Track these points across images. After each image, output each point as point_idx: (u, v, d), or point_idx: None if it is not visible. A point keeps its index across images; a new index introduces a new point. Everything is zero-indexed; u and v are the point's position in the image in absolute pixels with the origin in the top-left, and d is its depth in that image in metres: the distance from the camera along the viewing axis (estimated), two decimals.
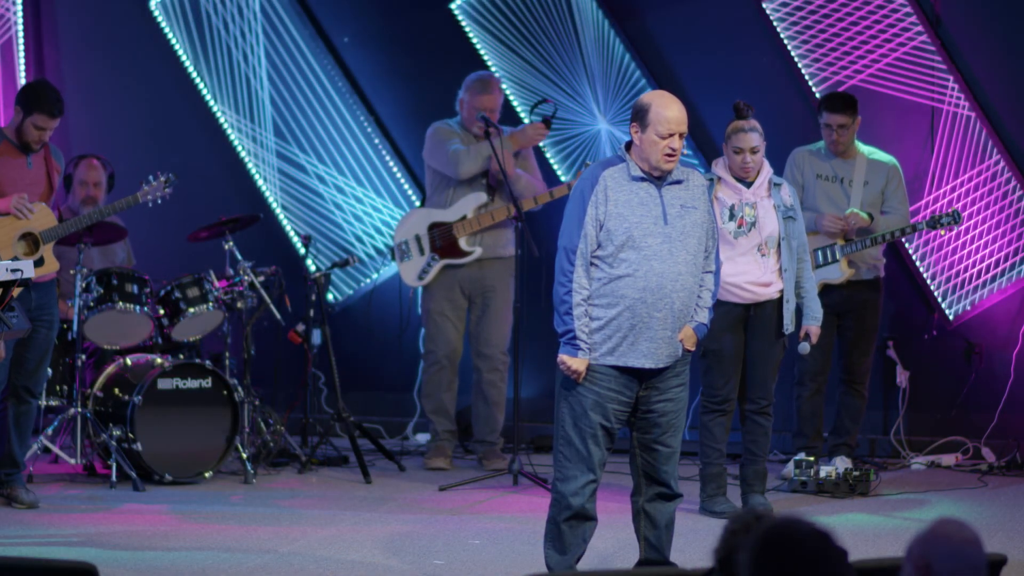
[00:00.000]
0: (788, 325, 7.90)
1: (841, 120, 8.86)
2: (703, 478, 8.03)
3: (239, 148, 10.86)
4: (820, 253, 8.85)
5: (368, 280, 10.73)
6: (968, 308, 9.73)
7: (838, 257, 8.87)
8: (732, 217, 7.84)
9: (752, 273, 7.86)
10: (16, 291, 6.70)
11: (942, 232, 9.51)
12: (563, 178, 10.11)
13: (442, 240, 9.43)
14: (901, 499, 8.48)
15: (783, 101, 9.91)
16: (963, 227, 9.61)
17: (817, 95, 9.74)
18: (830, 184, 8.97)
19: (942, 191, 9.68)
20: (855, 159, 8.99)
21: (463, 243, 9.42)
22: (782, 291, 7.90)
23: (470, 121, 9.41)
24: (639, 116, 6.06)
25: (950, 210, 8.89)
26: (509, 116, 9.99)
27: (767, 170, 7.91)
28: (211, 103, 10.88)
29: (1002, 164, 9.58)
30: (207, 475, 8.77)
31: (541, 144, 9.90)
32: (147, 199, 8.48)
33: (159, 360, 8.84)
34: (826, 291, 8.96)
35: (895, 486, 8.81)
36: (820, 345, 9.00)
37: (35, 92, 7.94)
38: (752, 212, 7.84)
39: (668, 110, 6.03)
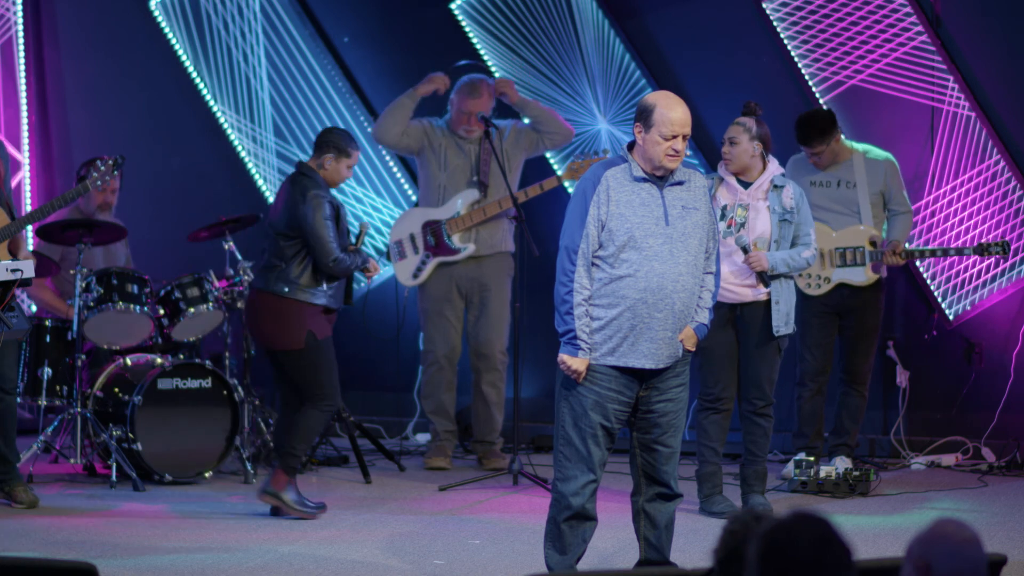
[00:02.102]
0: (779, 327, 7.87)
1: (812, 149, 8.91)
2: (698, 478, 8.02)
3: (239, 148, 10.86)
4: (847, 253, 8.85)
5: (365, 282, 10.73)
6: (968, 308, 9.73)
7: (866, 261, 8.86)
8: (723, 217, 7.84)
9: (736, 274, 7.84)
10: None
11: (989, 259, 9.51)
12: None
13: (435, 238, 9.44)
14: (901, 499, 8.48)
15: (783, 101, 9.90)
16: (963, 227, 9.62)
17: (817, 95, 9.74)
18: (826, 189, 8.97)
19: (942, 191, 9.68)
20: (850, 159, 8.99)
21: (456, 240, 9.43)
22: (771, 293, 7.88)
23: (456, 123, 9.44)
24: (643, 116, 6.04)
25: (1000, 240, 8.91)
26: (508, 115, 9.98)
27: (770, 171, 7.89)
28: (211, 103, 10.88)
29: (1002, 164, 9.58)
30: (207, 475, 8.77)
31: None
32: (96, 185, 8.31)
33: (159, 360, 8.84)
34: (829, 291, 8.96)
35: (895, 486, 8.81)
36: (821, 345, 9.02)
37: None
38: (743, 213, 7.84)
39: (673, 111, 6.01)
